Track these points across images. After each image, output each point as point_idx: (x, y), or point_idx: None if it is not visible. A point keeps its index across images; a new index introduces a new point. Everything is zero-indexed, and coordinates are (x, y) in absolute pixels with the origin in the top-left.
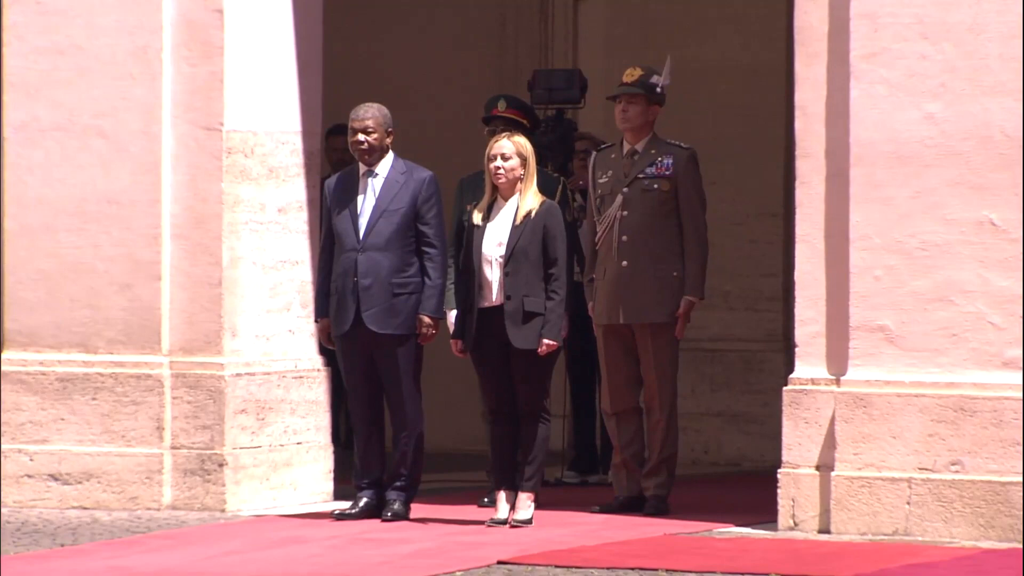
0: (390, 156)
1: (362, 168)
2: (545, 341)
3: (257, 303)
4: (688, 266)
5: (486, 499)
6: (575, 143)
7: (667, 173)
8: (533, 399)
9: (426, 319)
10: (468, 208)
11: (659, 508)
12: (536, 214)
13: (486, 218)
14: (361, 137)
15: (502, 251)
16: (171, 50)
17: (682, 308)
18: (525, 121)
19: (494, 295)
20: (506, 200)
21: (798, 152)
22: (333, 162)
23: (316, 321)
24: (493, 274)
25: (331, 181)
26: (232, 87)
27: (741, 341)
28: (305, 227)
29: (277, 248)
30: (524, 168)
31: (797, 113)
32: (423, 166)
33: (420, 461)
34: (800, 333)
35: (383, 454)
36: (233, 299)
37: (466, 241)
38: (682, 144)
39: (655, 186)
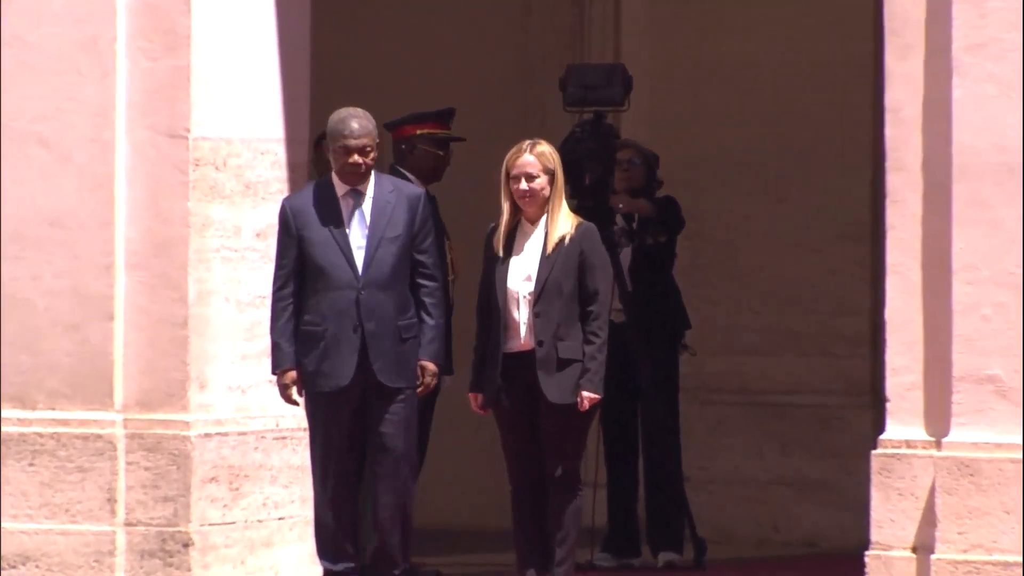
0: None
1: (341, 187)
2: (585, 394)
3: (231, 347)
4: None
5: None
6: (617, 152)
7: None
8: (566, 464)
9: (430, 367)
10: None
11: None
12: (571, 240)
13: (509, 247)
14: (358, 159)
15: (531, 286)
16: (127, 40)
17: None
18: None
19: (522, 339)
20: (533, 224)
21: (889, 164)
22: (323, 175)
23: (277, 373)
24: (521, 314)
25: (295, 202)
26: (201, 85)
27: (816, 394)
28: None
29: (255, 280)
30: (552, 185)
31: (888, 117)
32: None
33: (410, 534)
34: (891, 384)
35: (358, 531)
36: (201, 342)
37: (486, 275)
38: None
39: None
